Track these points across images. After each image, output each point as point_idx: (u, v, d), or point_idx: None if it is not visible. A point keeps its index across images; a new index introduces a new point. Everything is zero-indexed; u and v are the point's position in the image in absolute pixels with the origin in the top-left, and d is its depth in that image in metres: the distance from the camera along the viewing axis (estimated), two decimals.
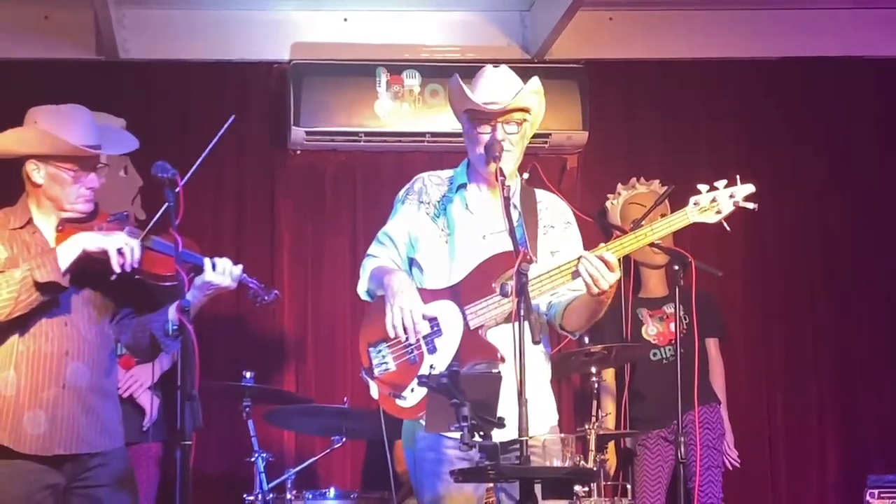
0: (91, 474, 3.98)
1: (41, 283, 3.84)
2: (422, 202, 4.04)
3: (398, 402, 3.82)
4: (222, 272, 3.95)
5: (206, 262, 3.94)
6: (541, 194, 4.10)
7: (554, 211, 4.07)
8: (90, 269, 3.92)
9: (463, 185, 4.03)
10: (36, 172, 4.01)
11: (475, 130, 3.92)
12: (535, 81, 3.94)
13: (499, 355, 3.76)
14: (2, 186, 4.16)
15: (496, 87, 3.93)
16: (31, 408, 3.91)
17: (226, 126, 3.93)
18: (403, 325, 3.77)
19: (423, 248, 3.99)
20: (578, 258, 3.74)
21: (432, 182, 4.09)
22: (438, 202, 4.04)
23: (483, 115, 3.89)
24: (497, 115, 3.88)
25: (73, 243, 3.90)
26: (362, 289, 4.06)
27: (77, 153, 3.97)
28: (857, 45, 6.55)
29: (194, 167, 3.80)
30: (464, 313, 3.85)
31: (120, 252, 3.85)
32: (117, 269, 3.86)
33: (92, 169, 4.03)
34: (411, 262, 4.03)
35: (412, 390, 3.79)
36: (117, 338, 4.14)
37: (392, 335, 3.81)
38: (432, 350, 3.84)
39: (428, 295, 3.87)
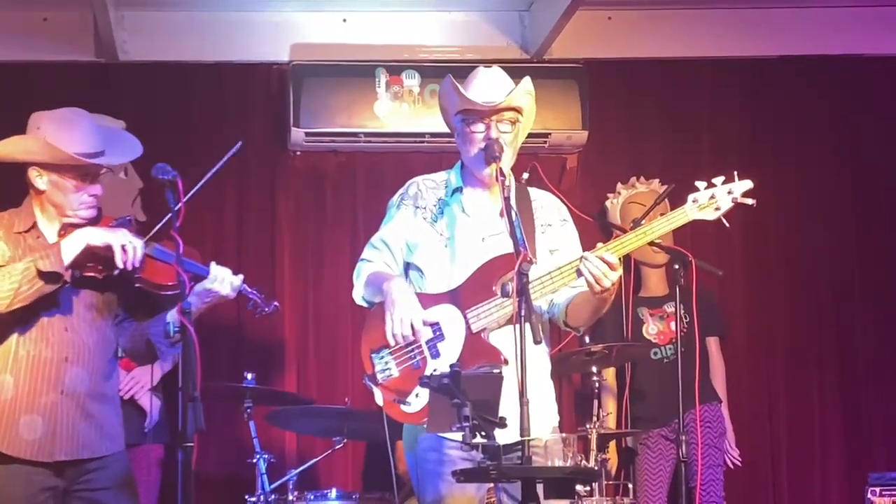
0: (91, 477, 3.98)
1: (44, 273, 3.83)
2: (418, 207, 4.03)
3: (403, 407, 3.82)
4: (222, 281, 3.95)
5: (212, 269, 3.93)
6: (535, 193, 4.10)
7: (550, 209, 4.07)
8: (92, 271, 3.92)
9: (458, 189, 4.02)
10: (39, 179, 4.00)
11: (468, 129, 3.92)
12: (527, 81, 3.94)
13: (502, 358, 3.76)
14: (9, 187, 4.16)
15: (489, 85, 3.93)
16: (27, 413, 3.90)
17: (232, 152, 3.93)
18: (404, 333, 3.77)
19: (423, 253, 3.98)
20: (580, 259, 3.75)
21: (427, 186, 4.07)
22: (435, 206, 4.03)
23: (477, 113, 3.89)
24: (491, 113, 3.89)
25: (76, 237, 3.90)
26: (358, 294, 4.04)
27: (77, 163, 3.96)
28: (857, 42, 6.54)
29: (195, 189, 3.79)
30: (465, 317, 3.84)
31: (123, 248, 3.86)
32: (120, 265, 3.86)
33: (94, 178, 4.02)
34: (408, 266, 4.03)
35: (416, 395, 3.78)
36: (116, 340, 4.14)
37: (393, 344, 3.81)
38: (435, 355, 3.83)
39: (429, 299, 3.87)
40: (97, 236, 3.89)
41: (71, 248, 3.88)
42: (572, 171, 6.44)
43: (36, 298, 3.87)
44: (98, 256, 3.90)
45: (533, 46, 6.37)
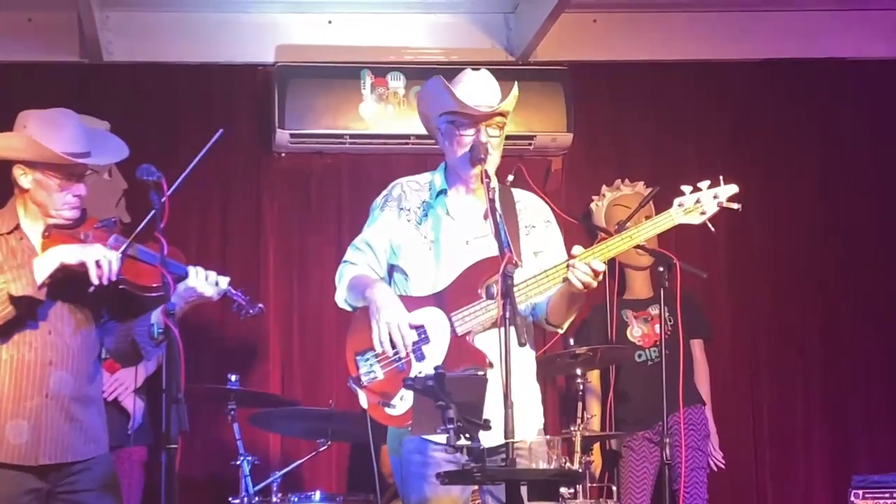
0: (75, 479, 3.97)
1: (16, 297, 3.82)
2: (402, 209, 4.02)
3: (387, 410, 3.82)
4: (205, 280, 3.93)
5: (191, 270, 3.92)
6: (518, 194, 4.10)
7: (533, 210, 4.07)
8: (73, 277, 3.90)
9: (443, 191, 4.02)
10: (23, 177, 3.98)
11: (457, 132, 3.91)
12: (517, 88, 3.95)
13: (487, 360, 3.76)
14: None
15: (480, 89, 3.93)
16: (13, 417, 3.88)
17: (213, 140, 3.90)
18: (391, 339, 3.76)
19: (407, 255, 3.97)
20: (567, 267, 3.75)
21: (411, 188, 4.06)
22: (419, 208, 4.01)
23: (469, 117, 3.88)
24: (483, 118, 3.88)
25: (49, 256, 3.87)
26: (340, 298, 4.03)
27: (62, 162, 3.94)
28: (839, 47, 6.57)
29: (179, 180, 3.76)
30: (451, 320, 3.84)
31: (98, 265, 3.84)
32: (95, 282, 3.84)
33: (79, 178, 4.00)
34: (392, 268, 4.02)
35: (401, 398, 3.77)
36: (101, 342, 4.12)
37: (379, 350, 3.80)
38: (420, 358, 3.83)
39: (414, 302, 3.86)
40: (71, 254, 3.86)
41: (44, 268, 3.85)
42: (557, 173, 6.45)
43: (12, 318, 3.85)
44: (73, 272, 3.87)
45: (518, 48, 6.37)
